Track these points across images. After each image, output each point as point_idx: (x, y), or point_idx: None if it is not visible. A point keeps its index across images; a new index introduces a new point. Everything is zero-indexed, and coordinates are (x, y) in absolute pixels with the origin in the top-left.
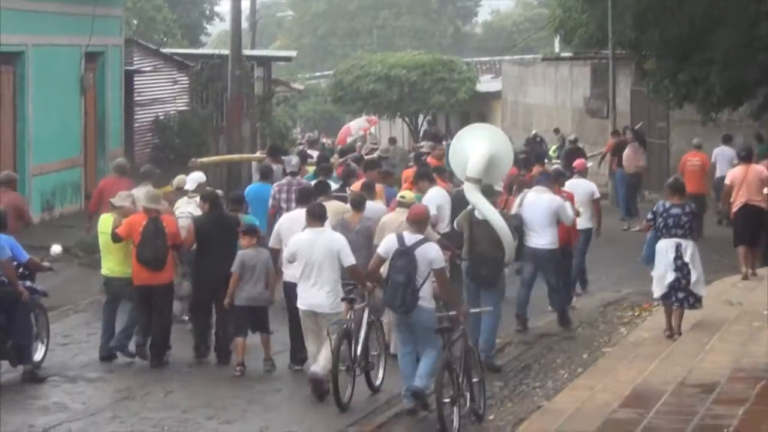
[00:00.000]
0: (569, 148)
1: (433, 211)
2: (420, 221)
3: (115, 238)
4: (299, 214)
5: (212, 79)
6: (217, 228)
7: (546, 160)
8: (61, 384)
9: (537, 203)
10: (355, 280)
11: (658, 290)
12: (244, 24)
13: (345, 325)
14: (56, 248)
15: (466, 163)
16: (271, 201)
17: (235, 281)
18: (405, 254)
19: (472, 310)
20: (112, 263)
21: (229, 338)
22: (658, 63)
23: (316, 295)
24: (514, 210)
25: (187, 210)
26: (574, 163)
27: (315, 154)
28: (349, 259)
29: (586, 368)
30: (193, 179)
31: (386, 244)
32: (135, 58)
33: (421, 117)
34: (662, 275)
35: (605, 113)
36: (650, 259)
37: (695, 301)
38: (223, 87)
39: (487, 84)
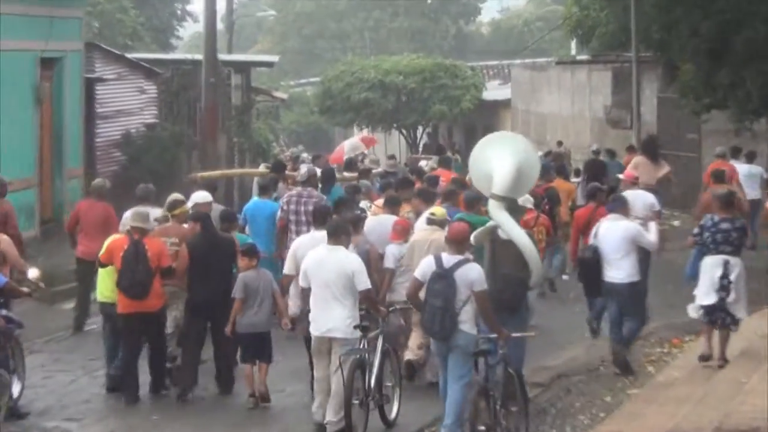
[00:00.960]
0: (590, 160)
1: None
2: (460, 240)
3: (100, 263)
4: (319, 236)
5: (184, 88)
6: (211, 250)
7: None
8: None
9: (612, 233)
10: (369, 306)
11: (697, 310)
12: (220, 25)
13: (358, 355)
14: (33, 272)
15: (490, 177)
16: (279, 213)
17: (238, 307)
18: (443, 277)
19: (514, 335)
20: (107, 289)
21: (231, 367)
22: (688, 64)
23: (330, 319)
24: (590, 241)
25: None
26: (624, 173)
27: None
28: (364, 284)
29: (610, 413)
30: (196, 198)
31: (423, 267)
32: (97, 65)
33: (420, 129)
34: (705, 294)
35: (628, 123)
36: (695, 276)
37: (732, 322)
38: (196, 97)
39: (494, 91)
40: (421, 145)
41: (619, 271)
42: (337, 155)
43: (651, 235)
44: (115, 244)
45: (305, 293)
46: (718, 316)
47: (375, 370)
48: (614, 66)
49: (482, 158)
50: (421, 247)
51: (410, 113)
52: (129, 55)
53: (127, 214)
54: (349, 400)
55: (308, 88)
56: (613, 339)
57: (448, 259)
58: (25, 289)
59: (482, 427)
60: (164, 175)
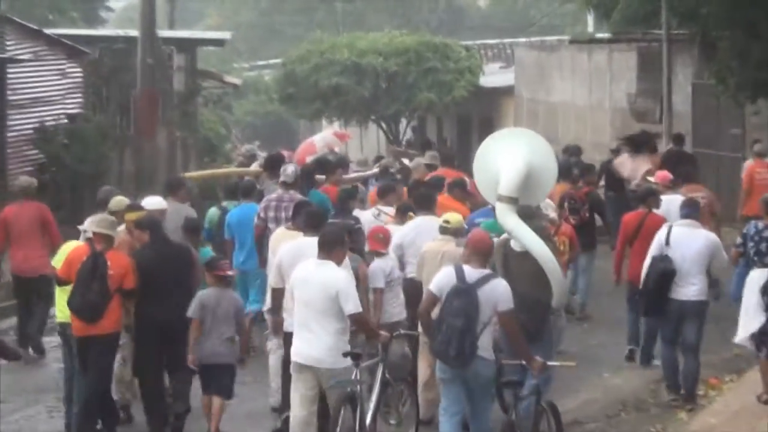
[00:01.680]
0: (609, 160)
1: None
2: (484, 252)
3: (59, 281)
4: (306, 243)
5: (115, 71)
6: (163, 263)
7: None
8: None
9: (690, 242)
10: (363, 332)
11: (743, 334)
12: None
13: (348, 388)
14: None
15: (497, 179)
16: (256, 219)
17: (195, 330)
18: (466, 293)
19: (550, 363)
20: (63, 306)
21: (181, 408)
22: (725, 40)
23: (312, 344)
24: (656, 251)
25: None
26: (657, 175)
27: None
28: (351, 306)
29: None
30: (153, 203)
31: (441, 280)
32: (9, 43)
33: (403, 122)
34: (752, 317)
35: (657, 116)
36: (741, 295)
37: None
38: (130, 81)
39: (494, 76)
40: (404, 141)
41: (691, 287)
42: (305, 152)
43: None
44: (75, 255)
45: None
46: (764, 341)
47: (372, 405)
48: (640, 46)
49: (488, 159)
50: (432, 259)
51: (391, 102)
52: (48, 31)
53: (91, 219)
54: None
55: (266, 72)
56: (668, 377)
57: (471, 272)
58: None
59: None
60: (89, 178)
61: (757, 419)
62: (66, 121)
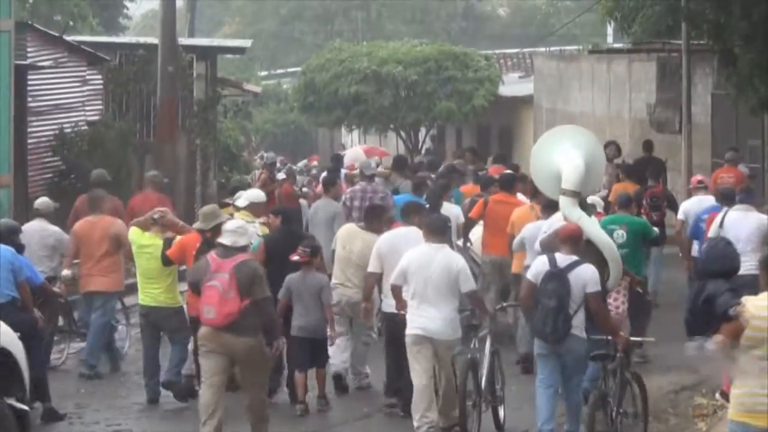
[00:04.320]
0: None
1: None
2: (574, 240)
3: (166, 260)
4: (405, 231)
5: (136, 78)
6: (291, 247)
7: None
8: None
9: (742, 224)
10: (476, 307)
11: None
12: (180, 3)
13: (470, 355)
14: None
15: (557, 175)
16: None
17: (281, 308)
18: (557, 277)
19: (634, 339)
20: (156, 290)
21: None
22: (745, 51)
23: (433, 319)
24: (712, 232)
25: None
26: (692, 179)
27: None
28: (469, 284)
29: None
30: (249, 197)
31: (536, 268)
32: (30, 49)
33: (422, 131)
34: None
35: (676, 126)
36: None
37: None
38: (150, 89)
39: (513, 86)
40: (423, 150)
41: (744, 263)
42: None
43: None
44: (188, 241)
45: (397, 291)
46: None
47: (485, 370)
48: (660, 56)
49: (545, 157)
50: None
51: (411, 111)
52: (69, 38)
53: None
54: (463, 402)
55: (286, 80)
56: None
57: (562, 259)
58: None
59: None
60: (110, 185)
61: None
62: (86, 127)
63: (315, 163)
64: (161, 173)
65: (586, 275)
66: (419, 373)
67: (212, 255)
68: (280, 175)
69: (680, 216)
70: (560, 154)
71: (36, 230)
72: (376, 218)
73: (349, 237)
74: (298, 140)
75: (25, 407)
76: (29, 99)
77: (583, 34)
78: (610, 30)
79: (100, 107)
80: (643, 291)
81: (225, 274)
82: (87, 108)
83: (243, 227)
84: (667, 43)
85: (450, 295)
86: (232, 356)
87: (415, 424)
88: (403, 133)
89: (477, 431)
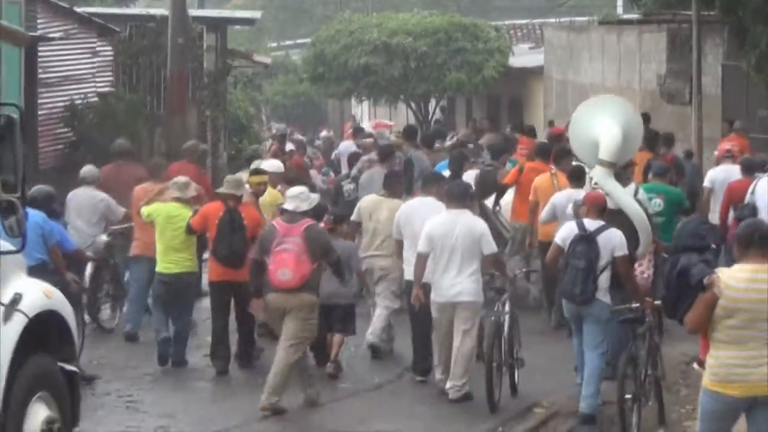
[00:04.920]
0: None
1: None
2: (600, 207)
3: (189, 230)
4: (420, 202)
5: (146, 50)
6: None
7: None
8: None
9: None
10: (497, 270)
11: None
12: None
13: (495, 317)
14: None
15: (595, 144)
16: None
17: None
18: (586, 240)
19: (657, 303)
20: (181, 259)
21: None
22: (756, 24)
23: (458, 283)
24: (747, 199)
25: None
26: (720, 148)
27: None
28: (491, 247)
29: None
30: (273, 165)
31: (564, 232)
32: (39, 21)
33: (432, 102)
34: None
35: (686, 97)
36: None
37: None
38: (160, 61)
39: (523, 57)
40: (432, 121)
41: None
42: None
43: None
44: (210, 210)
45: (423, 260)
46: None
47: (506, 331)
48: (670, 27)
49: (583, 126)
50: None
51: (421, 82)
52: (79, 9)
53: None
54: (490, 364)
55: (296, 52)
56: None
57: (590, 223)
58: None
59: (629, 395)
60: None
61: None
62: (96, 99)
63: (324, 133)
64: (198, 142)
65: (614, 239)
66: (444, 337)
67: (278, 221)
68: (289, 146)
69: (706, 184)
70: (599, 125)
71: (86, 197)
72: (397, 183)
73: (374, 207)
74: (308, 111)
75: (75, 369)
76: (39, 71)
77: (594, 5)
78: (620, 1)
79: (111, 79)
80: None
81: (297, 238)
82: (97, 80)
83: (305, 193)
84: (678, 14)
85: (473, 258)
86: (286, 312)
87: (445, 386)
88: (413, 105)
89: (500, 391)
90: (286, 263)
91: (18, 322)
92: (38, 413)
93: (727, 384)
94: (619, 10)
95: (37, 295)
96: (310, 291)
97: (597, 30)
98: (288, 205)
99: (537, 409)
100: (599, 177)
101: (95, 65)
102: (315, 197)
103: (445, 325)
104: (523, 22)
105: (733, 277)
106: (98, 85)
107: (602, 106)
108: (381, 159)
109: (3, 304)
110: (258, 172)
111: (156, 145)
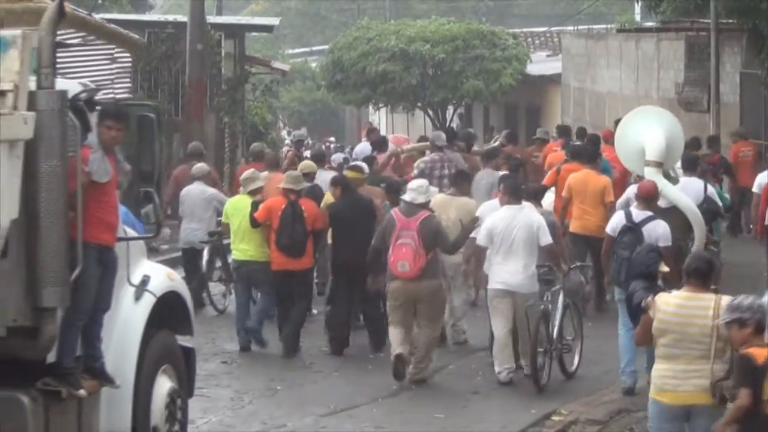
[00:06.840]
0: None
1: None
2: (649, 198)
3: (254, 222)
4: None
5: (165, 57)
6: (353, 213)
7: None
8: None
9: None
10: (552, 261)
11: None
12: None
13: (543, 306)
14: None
15: (641, 150)
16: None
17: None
18: (632, 230)
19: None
20: (246, 247)
21: (379, 322)
22: None
23: (515, 274)
24: None
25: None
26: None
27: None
28: (547, 238)
29: None
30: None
31: (614, 222)
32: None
33: (450, 109)
34: None
35: (704, 106)
36: None
37: None
38: (179, 67)
39: (541, 64)
40: (458, 128)
41: None
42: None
43: None
44: (272, 204)
45: (481, 252)
46: None
47: (557, 322)
48: (688, 35)
49: (629, 134)
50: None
51: (438, 89)
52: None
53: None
54: (534, 349)
55: (313, 59)
56: None
57: (638, 213)
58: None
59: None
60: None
61: None
62: None
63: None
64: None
65: (659, 230)
66: (500, 324)
67: (396, 212)
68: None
69: (755, 189)
70: (643, 132)
71: (198, 193)
72: (465, 182)
73: (443, 206)
74: (325, 118)
75: (191, 346)
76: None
77: (611, 13)
78: (638, 8)
79: (129, 85)
80: (717, 250)
81: (413, 232)
82: (116, 86)
83: (424, 186)
84: (696, 22)
85: (530, 249)
86: (417, 299)
87: (497, 369)
88: (430, 112)
89: (547, 376)
90: (404, 256)
91: (147, 302)
92: (164, 384)
93: (662, 393)
94: (637, 17)
95: (162, 277)
96: (430, 277)
97: (615, 38)
98: (406, 197)
99: (555, 417)
100: (649, 176)
101: (114, 71)
102: (434, 191)
103: (503, 311)
104: (541, 29)
105: (665, 302)
106: (116, 91)
107: (644, 114)
108: (485, 160)
109: (135, 285)
110: (354, 168)
111: (174, 151)
